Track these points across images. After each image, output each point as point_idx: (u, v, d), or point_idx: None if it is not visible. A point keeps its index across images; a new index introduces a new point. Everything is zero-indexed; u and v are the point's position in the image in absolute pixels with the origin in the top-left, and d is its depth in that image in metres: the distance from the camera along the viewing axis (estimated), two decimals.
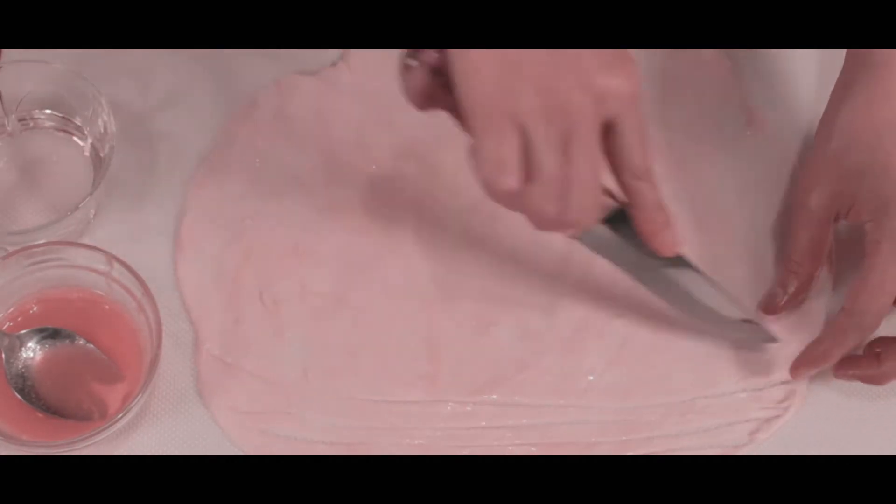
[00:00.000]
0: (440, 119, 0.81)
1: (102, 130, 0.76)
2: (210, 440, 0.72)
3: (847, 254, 0.77)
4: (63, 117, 0.78)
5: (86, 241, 0.75)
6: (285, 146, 0.80)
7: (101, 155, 0.76)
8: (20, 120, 0.78)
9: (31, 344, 0.72)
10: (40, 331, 0.72)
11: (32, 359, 0.71)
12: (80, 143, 0.78)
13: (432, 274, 0.77)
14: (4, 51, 0.78)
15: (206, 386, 0.73)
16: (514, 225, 0.78)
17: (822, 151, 0.73)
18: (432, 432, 0.73)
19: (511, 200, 0.64)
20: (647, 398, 0.75)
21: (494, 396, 0.74)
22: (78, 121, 0.78)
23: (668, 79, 0.83)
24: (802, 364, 0.74)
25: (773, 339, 0.75)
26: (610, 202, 0.67)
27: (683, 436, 0.74)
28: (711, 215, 0.80)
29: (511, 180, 0.62)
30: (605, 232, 0.68)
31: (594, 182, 0.64)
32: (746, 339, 0.75)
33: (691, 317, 0.74)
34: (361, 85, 0.82)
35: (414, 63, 0.65)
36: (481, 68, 0.61)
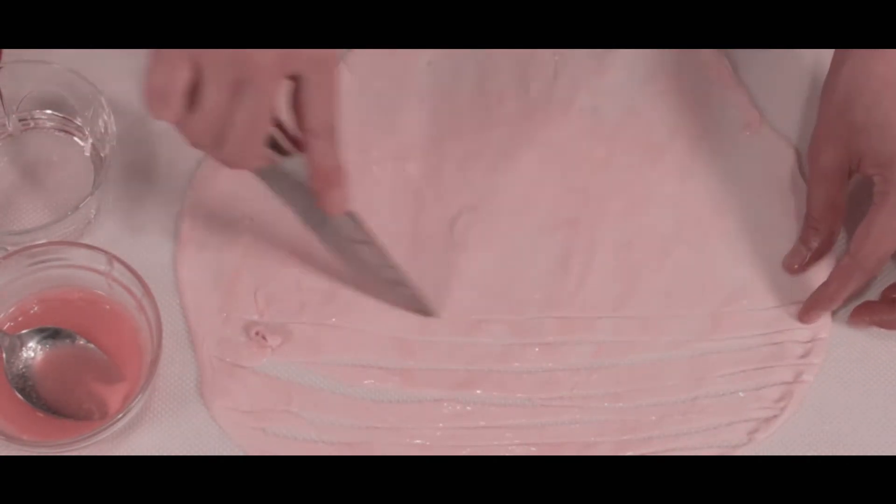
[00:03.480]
0: (441, 119, 0.81)
1: (103, 130, 0.76)
2: (210, 440, 0.72)
3: (852, 202, 0.78)
4: (64, 117, 0.78)
5: (86, 241, 0.75)
6: None
7: (102, 155, 0.76)
8: (21, 120, 0.78)
9: (31, 344, 0.72)
10: (41, 331, 0.72)
11: (33, 359, 0.71)
12: (81, 143, 0.78)
13: (430, 272, 0.77)
14: (5, 51, 0.78)
15: (206, 386, 0.73)
16: (514, 225, 0.79)
17: (827, 110, 0.75)
18: (432, 432, 0.73)
19: (177, 128, 0.64)
20: (646, 397, 0.75)
21: (479, 392, 0.74)
22: (78, 121, 0.78)
23: (668, 79, 0.83)
24: (812, 307, 0.76)
25: (427, 311, 0.76)
26: (292, 149, 0.67)
27: (682, 435, 0.74)
28: (710, 215, 0.80)
29: (169, 114, 0.63)
30: (280, 174, 0.68)
31: (254, 129, 0.64)
32: (403, 303, 0.76)
33: (354, 273, 0.75)
34: (361, 85, 0.82)
35: None
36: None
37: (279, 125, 0.66)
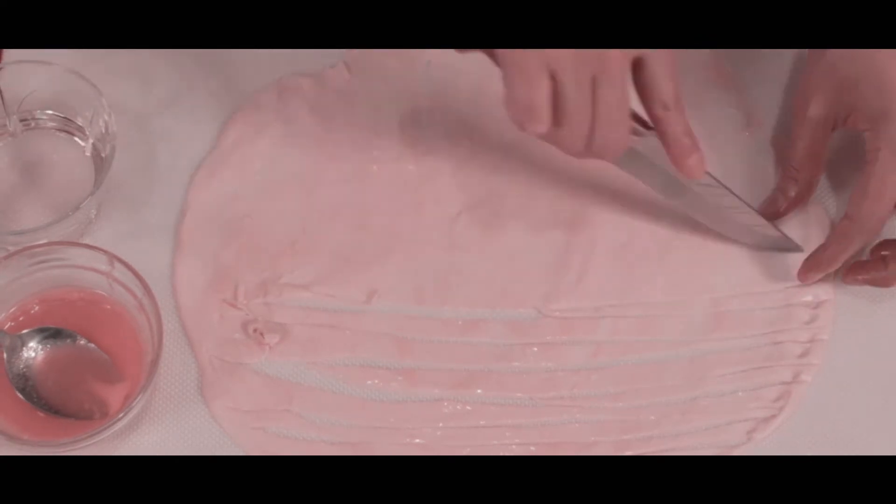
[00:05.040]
0: (440, 120, 0.81)
1: (103, 131, 0.76)
2: (211, 440, 0.72)
3: (846, 160, 0.79)
4: (64, 118, 0.78)
5: (87, 241, 0.75)
6: (285, 146, 0.80)
7: (103, 155, 0.76)
8: (22, 120, 0.78)
9: (32, 344, 0.72)
10: (42, 331, 0.72)
11: (34, 359, 0.72)
12: (82, 143, 0.78)
13: (428, 272, 0.77)
14: (6, 51, 0.78)
15: (207, 385, 0.74)
16: (511, 225, 0.79)
17: (818, 62, 0.76)
18: (432, 432, 0.74)
19: (543, 138, 0.67)
20: (645, 397, 0.75)
21: (479, 391, 0.75)
22: (79, 121, 0.78)
23: None
24: (810, 268, 0.76)
25: (797, 248, 0.78)
26: (642, 130, 0.70)
27: (682, 435, 0.74)
28: None
29: (540, 127, 0.65)
30: (637, 156, 0.71)
31: (620, 119, 0.67)
32: (773, 246, 0.78)
33: (722, 231, 0.77)
34: (361, 85, 0.82)
35: None
36: None
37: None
